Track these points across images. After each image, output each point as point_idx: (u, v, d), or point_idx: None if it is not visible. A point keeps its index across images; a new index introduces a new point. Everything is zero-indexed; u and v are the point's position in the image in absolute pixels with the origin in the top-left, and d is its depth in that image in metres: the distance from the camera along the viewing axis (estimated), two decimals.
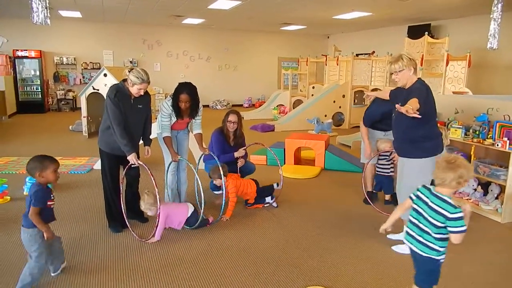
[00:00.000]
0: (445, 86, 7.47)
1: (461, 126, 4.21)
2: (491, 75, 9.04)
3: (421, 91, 2.88)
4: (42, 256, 2.48)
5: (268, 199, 4.17)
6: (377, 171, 4.23)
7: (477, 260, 3.05)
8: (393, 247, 3.18)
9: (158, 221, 3.18)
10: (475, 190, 4.30)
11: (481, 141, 3.97)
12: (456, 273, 2.82)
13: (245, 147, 4.35)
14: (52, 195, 2.55)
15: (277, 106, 11.64)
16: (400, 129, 3.07)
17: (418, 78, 3.02)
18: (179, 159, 3.77)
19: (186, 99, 3.58)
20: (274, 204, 4.17)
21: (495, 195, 4.08)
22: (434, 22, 10.26)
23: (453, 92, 7.60)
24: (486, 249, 3.25)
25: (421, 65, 7.43)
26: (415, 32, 9.63)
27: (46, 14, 3.62)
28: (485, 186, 4.24)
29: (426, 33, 7.61)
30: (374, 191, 4.31)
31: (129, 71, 3.17)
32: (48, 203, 2.51)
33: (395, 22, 10.93)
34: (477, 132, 4.09)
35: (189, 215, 3.40)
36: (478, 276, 2.80)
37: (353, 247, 3.21)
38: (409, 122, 2.88)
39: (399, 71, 2.98)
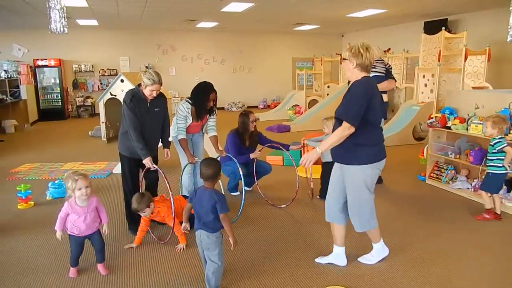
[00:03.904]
0: (464, 82, 7.31)
1: (481, 122, 4.11)
2: None
3: (357, 94, 2.51)
4: (222, 256, 2.53)
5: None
6: None
7: (500, 257, 2.97)
8: (316, 259, 2.93)
9: None
10: None
11: (504, 136, 3.86)
12: (479, 272, 2.76)
13: (261, 148, 4.37)
14: None
15: (292, 106, 11.60)
16: None
17: (363, 77, 2.56)
18: (196, 161, 3.80)
19: (214, 96, 3.78)
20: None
21: None
22: (451, 17, 10.05)
23: (473, 87, 7.43)
24: (510, 246, 3.17)
25: (439, 60, 7.29)
26: (431, 27, 9.45)
27: (63, 23, 3.72)
28: (508, 183, 4.12)
29: (443, 28, 7.47)
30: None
31: (143, 74, 3.22)
32: None
33: (411, 18, 10.76)
34: None
35: None
36: (502, 275, 2.73)
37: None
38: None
39: (343, 59, 2.68)
